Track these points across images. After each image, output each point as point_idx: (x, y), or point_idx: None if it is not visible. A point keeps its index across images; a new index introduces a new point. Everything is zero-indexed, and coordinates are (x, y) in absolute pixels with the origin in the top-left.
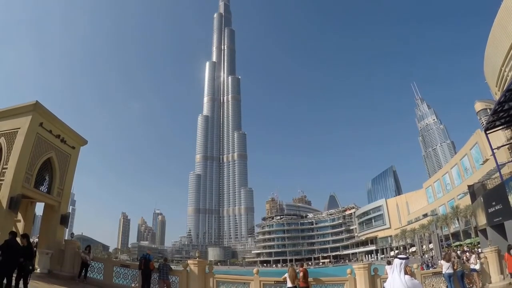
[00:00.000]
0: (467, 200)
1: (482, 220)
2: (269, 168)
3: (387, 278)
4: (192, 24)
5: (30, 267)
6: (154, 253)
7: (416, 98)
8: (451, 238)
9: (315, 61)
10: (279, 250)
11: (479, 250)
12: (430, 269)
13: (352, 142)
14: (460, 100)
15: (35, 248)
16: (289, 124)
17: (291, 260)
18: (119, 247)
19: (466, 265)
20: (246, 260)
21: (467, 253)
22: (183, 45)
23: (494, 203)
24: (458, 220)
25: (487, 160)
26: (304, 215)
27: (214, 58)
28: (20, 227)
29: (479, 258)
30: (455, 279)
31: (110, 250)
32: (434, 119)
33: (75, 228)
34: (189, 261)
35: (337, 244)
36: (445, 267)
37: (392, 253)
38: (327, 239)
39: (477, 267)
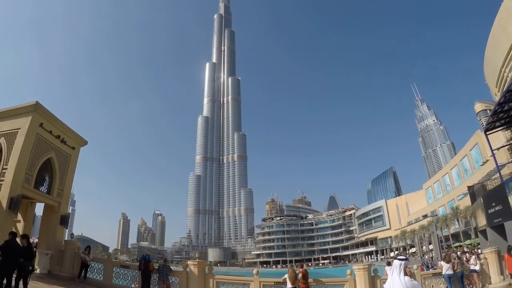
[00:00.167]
0: (467, 201)
1: (482, 221)
2: (269, 169)
3: (387, 279)
4: (192, 24)
5: (30, 268)
6: (154, 253)
7: (416, 99)
8: (451, 239)
9: (315, 61)
10: (279, 251)
11: (479, 251)
12: (430, 270)
13: (352, 143)
14: (460, 101)
15: (35, 249)
16: (289, 125)
17: (291, 261)
18: (119, 248)
19: (466, 266)
20: (246, 261)
21: (467, 254)
22: (183, 45)
23: (494, 204)
24: (458, 221)
25: (487, 161)
26: (304, 216)
27: (214, 59)
28: (20, 227)
29: (479, 259)
30: (455, 280)
31: (110, 250)
32: (434, 120)
33: (75, 228)
34: (189, 262)
35: (337, 245)
36: (445, 268)
37: (392, 254)
38: (327, 240)
39: (477, 268)
